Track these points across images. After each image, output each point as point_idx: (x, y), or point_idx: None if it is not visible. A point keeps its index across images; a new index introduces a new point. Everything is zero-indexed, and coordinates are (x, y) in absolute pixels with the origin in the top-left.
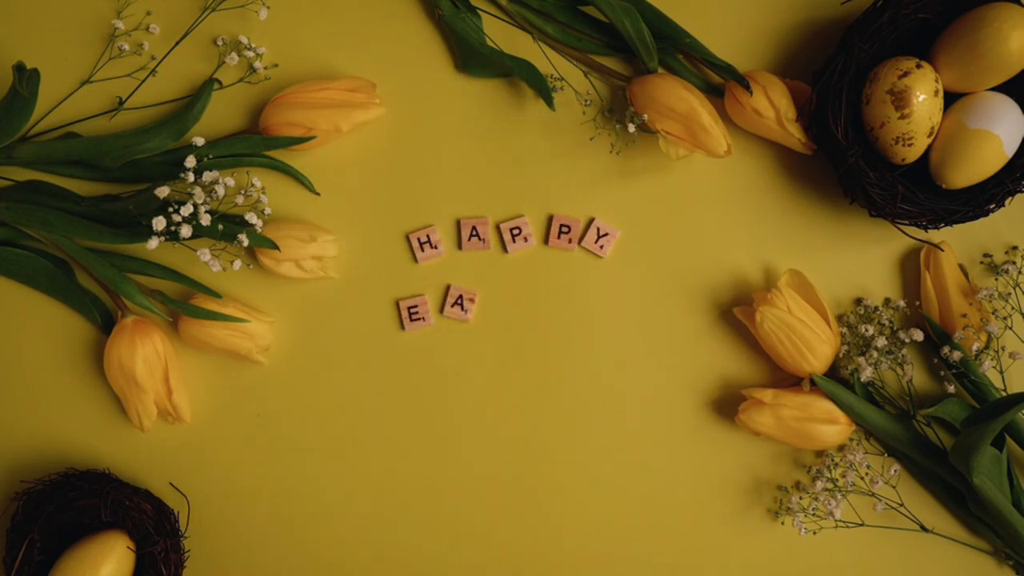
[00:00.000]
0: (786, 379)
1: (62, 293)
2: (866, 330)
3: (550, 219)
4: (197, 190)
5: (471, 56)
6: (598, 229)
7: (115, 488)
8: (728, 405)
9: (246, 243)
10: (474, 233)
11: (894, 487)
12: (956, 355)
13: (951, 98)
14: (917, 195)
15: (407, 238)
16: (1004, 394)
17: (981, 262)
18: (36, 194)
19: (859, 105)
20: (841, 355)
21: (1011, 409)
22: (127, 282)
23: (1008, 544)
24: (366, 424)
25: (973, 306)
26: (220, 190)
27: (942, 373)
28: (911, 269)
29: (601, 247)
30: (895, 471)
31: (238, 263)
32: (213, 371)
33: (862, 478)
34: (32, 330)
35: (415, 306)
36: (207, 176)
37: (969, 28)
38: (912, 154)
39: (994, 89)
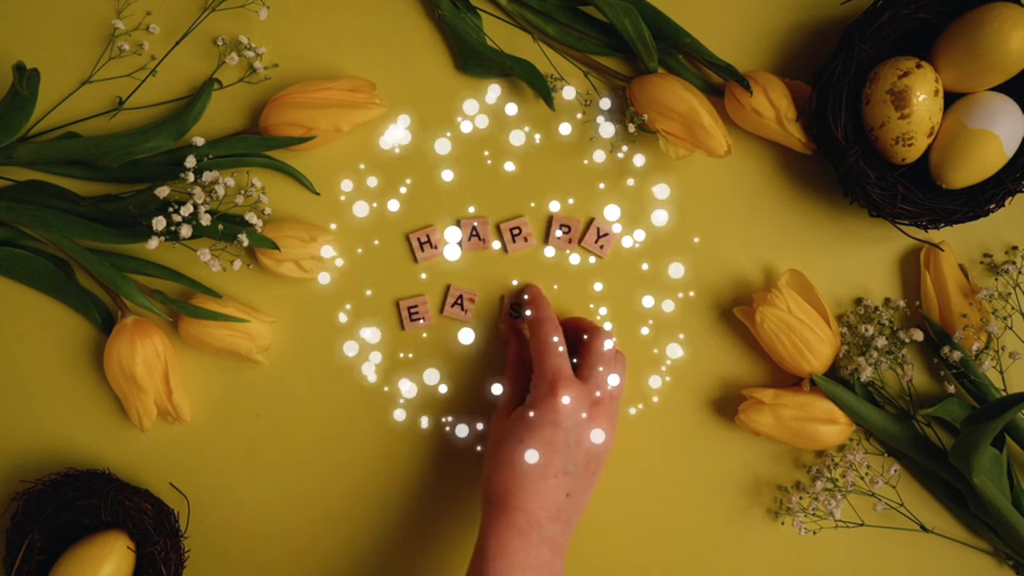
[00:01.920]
0: (786, 379)
1: (62, 293)
2: (866, 330)
3: (550, 219)
4: (197, 190)
5: (471, 56)
6: (598, 229)
7: (115, 488)
8: (728, 405)
9: (246, 243)
10: (474, 233)
11: (894, 487)
12: (956, 355)
13: (951, 98)
14: (917, 195)
15: (407, 238)
16: (1004, 394)
17: (981, 262)
18: (36, 194)
19: (859, 105)
20: (841, 355)
21: (1011, 409)
22: (127, 282)
23: (1008, 544)
24: (366, 424)
25: (973, 306)
26: (220, 190)
27: (942, 373)
28: (911, 269)
29: (601, 247)
30: (895, 471)
31: (238, 263)
32: (213, 371)
33: (862, 478)
34: (32, 330)
35: (415, 306)
36: (207, 176)
37: (969, 28)
38: (912, 154)
39: (994, 89)
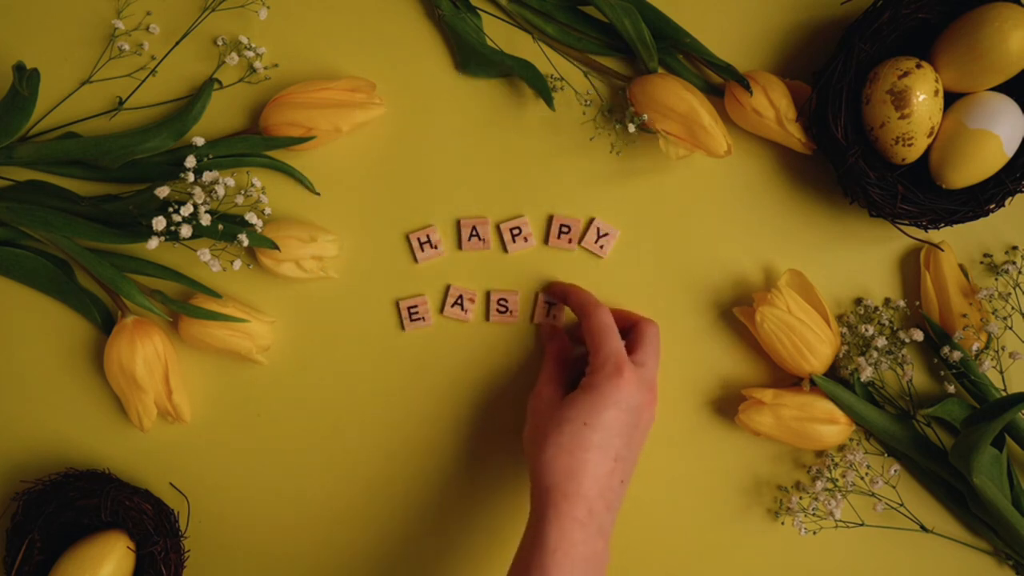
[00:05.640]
0: (786, 379)
1: (62, 293)
2: (866, 330)
3: (550, 219)
4: (197, 190)
5: (471, 56)
6: (598, 229)
7: (115, 488)
8: (728, 405)
9: (246, 243)
10: (474, 233)
11: (894, 487)
12: (956, 355)
13: (951, 98)
14: (917, 195)
15: (407, 238)
16: (1004, 394)
17: (981, 262)
18: (36, 194)
19: (859, 105)
20: (841, 355)
21: (1011, 409)
22: (127, 282)
23: (1008, 544)
24: (366, 424)
25: (973, 306)
26: (220, 190)
27: (942, 373)
28: (911, 269)
29: (601, 247)
30: (895, 471)
31: (238, 263)
32: (213, 371)
33: (862, 478)
34: (32, 330)
35: (415, 306)
36: (207, 176)
37: (969, 28)
38: (912, 154)
39: (994, 89)
